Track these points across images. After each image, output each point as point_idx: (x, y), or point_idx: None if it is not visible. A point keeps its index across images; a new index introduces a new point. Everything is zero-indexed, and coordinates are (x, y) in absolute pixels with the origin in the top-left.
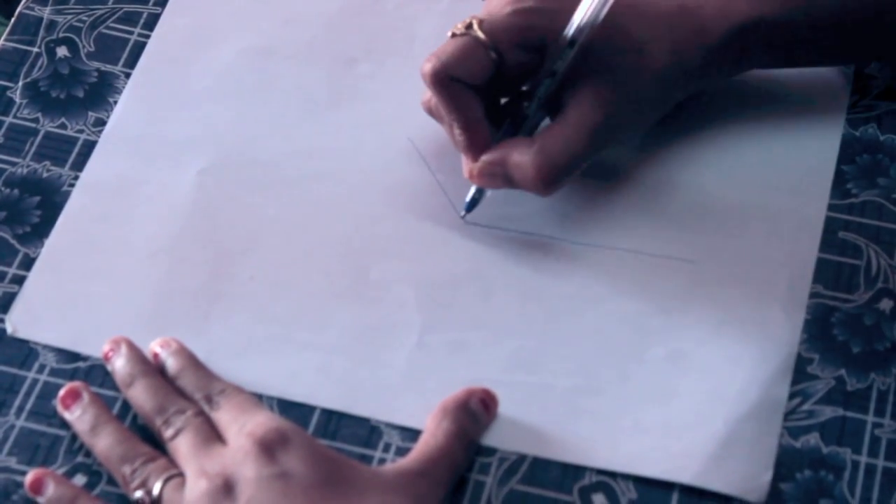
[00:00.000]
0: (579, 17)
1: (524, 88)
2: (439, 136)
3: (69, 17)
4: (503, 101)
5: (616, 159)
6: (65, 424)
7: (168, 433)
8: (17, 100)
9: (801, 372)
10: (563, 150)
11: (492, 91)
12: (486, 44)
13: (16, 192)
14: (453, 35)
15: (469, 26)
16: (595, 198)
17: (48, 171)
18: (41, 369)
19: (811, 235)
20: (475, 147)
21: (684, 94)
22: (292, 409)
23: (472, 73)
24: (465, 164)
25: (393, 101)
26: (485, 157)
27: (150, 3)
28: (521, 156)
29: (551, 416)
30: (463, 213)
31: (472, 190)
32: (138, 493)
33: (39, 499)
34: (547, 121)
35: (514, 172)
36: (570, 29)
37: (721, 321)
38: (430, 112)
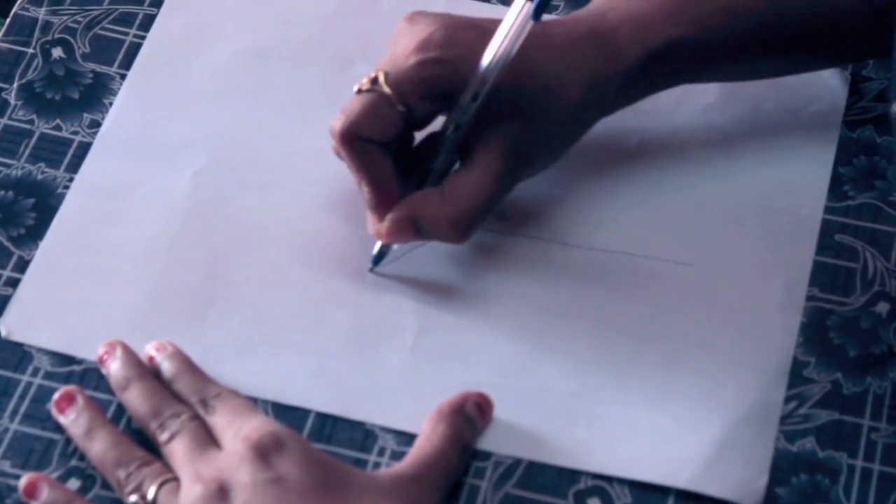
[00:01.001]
0: (486, 62)
1: (435, 131)
2: None
3: (64, 17)
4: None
5: (614, 163)
6: (59, 428)
7: (163, 437)
8: (12, 101)
9: (797, 375)
10: (472, 199)
11: (400, 141)
12: (393, 99)
13: (10, 193)
14: (359, 91)
15: (374, 80)
16: (591, 200)
17: (43, 172)
18: (35, 372)
19: (808, 238)
20: (382, 205)
21: (599, 119)
22: (287, 413)
23: (382, 130)
24: (372, 223)
25: None
26: (391, 216)
27: (146, 4)
28: (430, 209)
29: (547, 420)
30: (371, 266)
31: (378, 244)
32: (133, 498)
33: (33, 503)
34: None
35: (425, 226)
36: (474, 81)
37: (717, 324)
38: (340, 157)
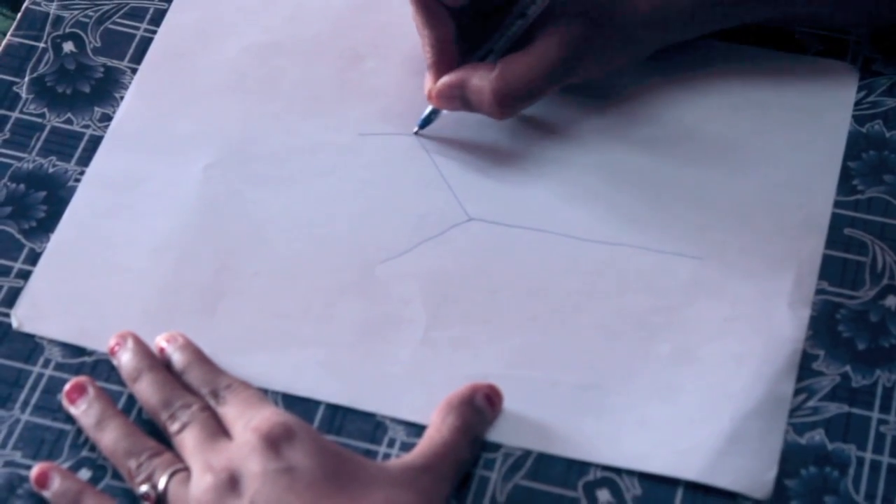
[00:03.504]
0: None
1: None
2: (445, 132)
3: (75, 12)
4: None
5: (624, 157)
6: (70, 419)
7: (174, 427)
8: (24, 95)
9: (806, 368)
10: (522, 78)
11: (471, 17)
12: None
13: (22, 186)
14: None
15: None
16: (601, 194)
17: (54, 166)
18: (46, 363)
19: (817, 232)
20: (439, 67)
21: (666, 42)
22: (297, 404)
23: None
24: (427, 83)
25: (399, 97)
26: (444, 79)
27: None
28: (479, 80)
29: (556, 412)
30: (416, 129)
31: (429, 108)
32: (144, 488)
33: (45, 493)
34: None
35: (471, 96)
36: None
37: (726, 318)
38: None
